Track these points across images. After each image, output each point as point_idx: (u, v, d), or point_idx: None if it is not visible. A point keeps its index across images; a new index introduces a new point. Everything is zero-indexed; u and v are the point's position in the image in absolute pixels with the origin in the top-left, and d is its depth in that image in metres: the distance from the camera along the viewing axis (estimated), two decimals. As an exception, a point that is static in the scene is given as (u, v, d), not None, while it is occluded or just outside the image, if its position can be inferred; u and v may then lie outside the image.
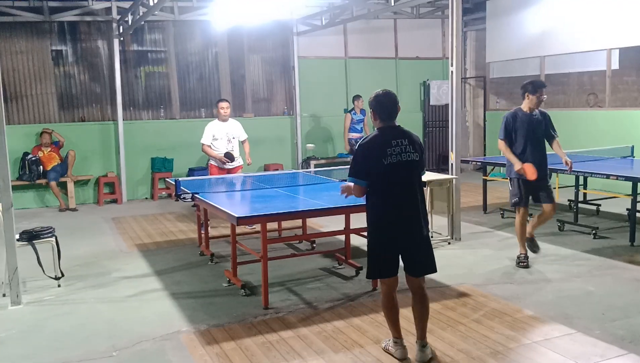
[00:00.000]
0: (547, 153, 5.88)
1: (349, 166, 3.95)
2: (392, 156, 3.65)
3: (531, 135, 5.72)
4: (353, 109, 10.90)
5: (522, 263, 5.84)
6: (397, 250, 3.79)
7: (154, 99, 11.15)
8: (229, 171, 7.83)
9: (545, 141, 5.87)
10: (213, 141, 7.81)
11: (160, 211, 9.58)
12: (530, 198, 5.84)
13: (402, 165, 3.68)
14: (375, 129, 3.84)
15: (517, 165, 5.64)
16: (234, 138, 7.90)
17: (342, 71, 12.50)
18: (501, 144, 5.84)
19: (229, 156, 7.72)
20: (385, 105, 3.75)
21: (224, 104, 7.95)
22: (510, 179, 5.90)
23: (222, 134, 7.82)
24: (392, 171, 3.66)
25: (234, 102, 11.70)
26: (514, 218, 8.14)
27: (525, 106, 5.77)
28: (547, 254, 6.29)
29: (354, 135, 10.84)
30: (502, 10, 11.93)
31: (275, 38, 11.90)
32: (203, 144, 7.84)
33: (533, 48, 11.20)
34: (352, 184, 3.79)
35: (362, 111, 10.82)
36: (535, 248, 6.01)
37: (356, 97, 10.86)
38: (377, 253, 3.79)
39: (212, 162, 8.00)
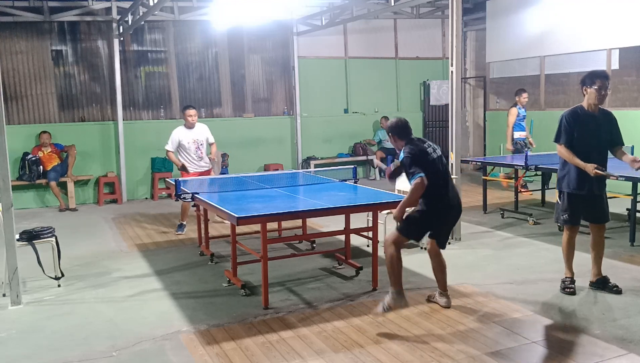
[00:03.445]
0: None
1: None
2: (432, 153, 4.54)
3: (595, 140, 4.84)
4: (516, 103, 9.45)
5: (568, 288, 5.02)
6: (435, 229, 4.71)
7: (154, 99, 11.15)
8: (200, 174, 7.68)
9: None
10: (180, 149, 7.70)
11: (160, 211, 9.58)
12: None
13: (440, 160, 4.59)
14: (408, 141, 4.61)
15: (590, 169, 4.69)
16: (202, 145, 7.75)
17: (342, 71, 12.50)
18: (562, 150, 4.87)
19: (184, 169, 7.62)
20: (405, 129, 4.65)
21: (191, 112, 7.70)
22: (561, 192, 5.01)
23: (190, 141, 7.68)
24: (436, 165, 4.51)
25: (234, 102, 11.72)
26: (514, 218, 8.27)
27: (585, 103, 4.88)
28: (547, 254, 6.30)
29: (521, 133, 9.45)
30: (502, 10, 11.93)
31: (275, 38, 11.90)
32: (167, 151, 7.75)
33: (533, 48, 11.20)
34: (402, 207, 4.47)
35: (524, 108, 9.42)
36: (615, 288, 4.99)
37: (521, 91, 9.48)
38: (424, 226, 4.63)
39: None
